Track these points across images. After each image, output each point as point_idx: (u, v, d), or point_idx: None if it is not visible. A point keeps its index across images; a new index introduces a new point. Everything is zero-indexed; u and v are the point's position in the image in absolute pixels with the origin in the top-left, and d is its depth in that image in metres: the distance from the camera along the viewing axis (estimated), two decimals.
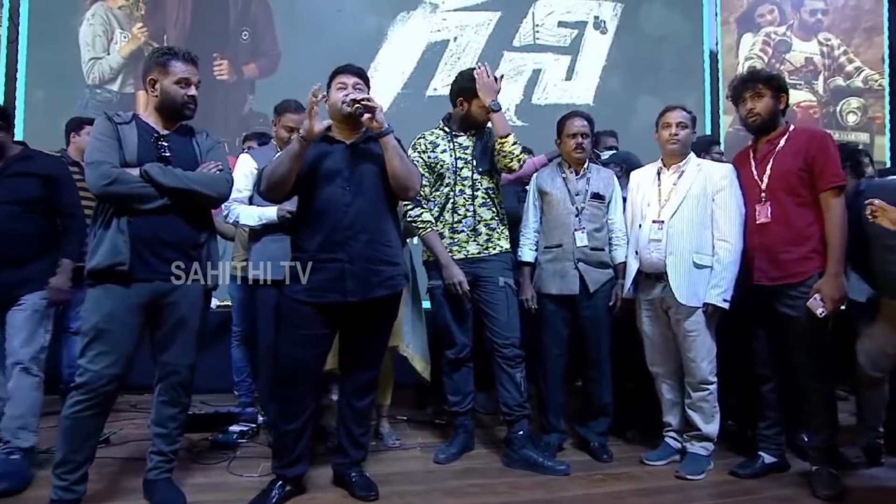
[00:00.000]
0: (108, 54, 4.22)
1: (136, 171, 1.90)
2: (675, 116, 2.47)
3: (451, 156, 2.51)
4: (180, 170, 1.96)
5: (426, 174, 2.51)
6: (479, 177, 2.51)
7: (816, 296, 2.14)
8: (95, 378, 1.86)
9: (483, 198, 2.52)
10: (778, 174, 2.27)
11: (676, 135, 2.45)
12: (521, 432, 2.46)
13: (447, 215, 2.52)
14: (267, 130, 3.47)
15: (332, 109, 2.09)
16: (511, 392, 2.47)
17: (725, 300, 2.33)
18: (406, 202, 2.46)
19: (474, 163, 2.51)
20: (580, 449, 2.67)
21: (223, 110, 4.34)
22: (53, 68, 4.12)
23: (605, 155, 3.13)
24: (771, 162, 2.29)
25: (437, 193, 2.53)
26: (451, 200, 2.51)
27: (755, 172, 2.33)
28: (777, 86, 2.31)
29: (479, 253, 2.51)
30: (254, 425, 2.85)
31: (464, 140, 2.54)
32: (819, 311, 2.13)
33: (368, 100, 2.01)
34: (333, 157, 2.07)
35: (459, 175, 2.50)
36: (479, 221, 2.51)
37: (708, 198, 2.39)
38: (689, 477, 2.35)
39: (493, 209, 2.54)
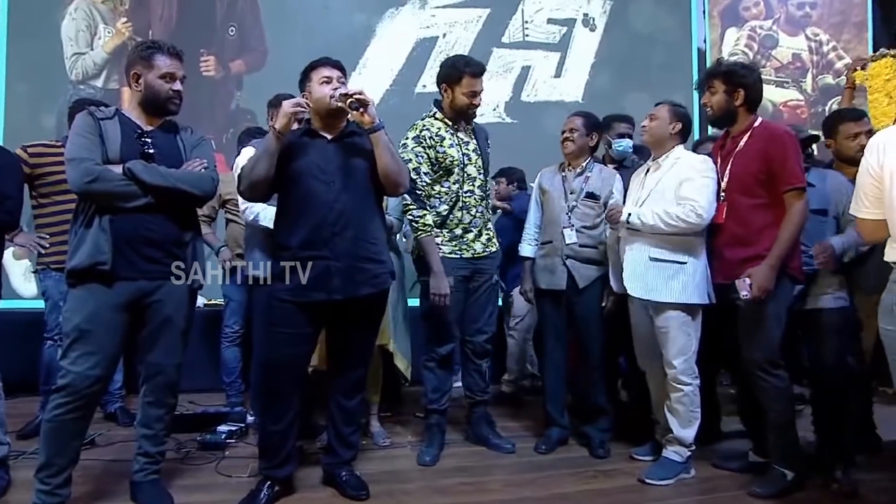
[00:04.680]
0: (92, 50, 4.16)
1: (118, 169, 1.85)
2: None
3: (458, 151, 2.50)
4: (164, 167, 1.92)
5: (429, 170, 2.47)
6: (484, 179, 2.59)
7: (746, 279, 2.09)
8: (79, 380, 1.82)
9: (487, 198, 2.63)
10: (735, 175, 2.22)
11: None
12: (478, 413, 2.71)
13: (459, 213, 2.51)
14: (253, 126, 3.43)
15: (318, 104, 2.04)
16: (476, 379, 2.67)
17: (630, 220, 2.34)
18: (408, 203, 2.45)
19: (480, 163, 2.55)
20: (583, 446, 2.67)
21: (210, 106, 4.30)
22: (35, 64, 4.05)
23: (619, 144, 2.90)
24: (731, 162, 2.24)
25: (445, 189, 2.50)
26: (463, 200, 2.51)
27: (719, 169, 2.30)
28: (733, 81, 2.23)
29: (483, 251, 2.58)
30: (242, 425, 2.82)
31: (463, 136, 2.55)
32: (743, 293, 2.09)
33: (361, 93, 1.97)
34: (315, 152, 2.03)
35: (466, 172, 2.50)
36: (485, 222, 2.62)
37: (680, 190, 2.33)
38: (648, 481, 2.28)
39: (490, 210, 2.69)
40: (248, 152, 2.63)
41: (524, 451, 2.63)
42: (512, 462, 2.53)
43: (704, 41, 5.05)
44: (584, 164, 2.67)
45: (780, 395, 2.18)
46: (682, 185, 2.32)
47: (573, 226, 2.60)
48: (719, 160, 2.32)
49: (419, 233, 2.45)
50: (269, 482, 2.07)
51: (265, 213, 2.52)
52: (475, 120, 2.62)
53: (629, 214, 2.36)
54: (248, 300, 3.07)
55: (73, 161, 1.83)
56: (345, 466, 2.20)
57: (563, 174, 2.69)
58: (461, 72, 2.43)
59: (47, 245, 2.67)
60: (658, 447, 2.50)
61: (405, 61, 4.56)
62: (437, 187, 2.50)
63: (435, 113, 2.53)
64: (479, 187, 2.54)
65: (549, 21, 4.82)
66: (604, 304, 2.61)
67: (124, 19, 4.21)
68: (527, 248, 2.74)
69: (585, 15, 4.87)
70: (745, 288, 2.10)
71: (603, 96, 4.71)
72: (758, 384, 2.19)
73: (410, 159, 2.43)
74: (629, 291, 2.37)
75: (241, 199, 2.57)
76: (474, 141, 2.56)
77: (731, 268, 2.20)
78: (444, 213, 2.50)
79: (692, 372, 2.33)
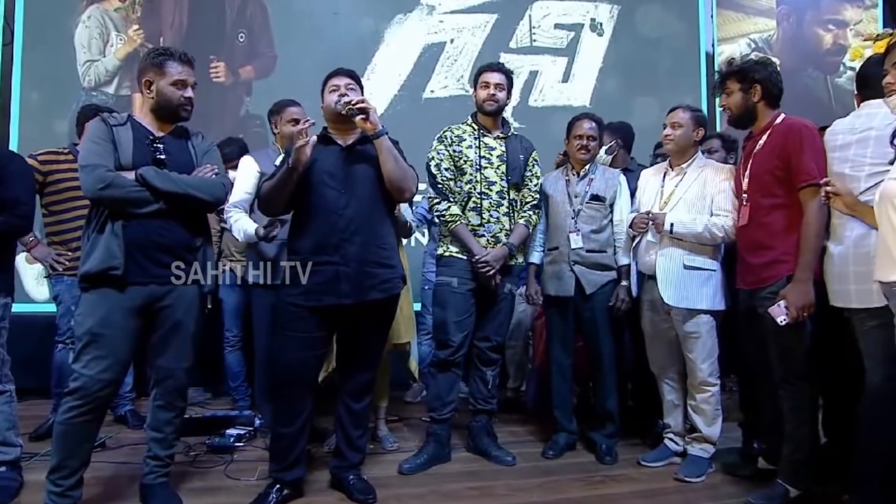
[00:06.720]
0: (104, 57, 4.20)
1: (131, 175, 1.88)
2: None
3: (475, 153, 2.52)
4: (176, 173, 1.95)
5: (450, 166, 2.52)
6: (507, 186, 2.54)
7: (781, 302, 1.99)
8: (90, 383, 1.84)
9: (508, 208, 2.55)
10: (754, 175, 2.17)
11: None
12: (479, 423, 2.65)
13: (469, 214, 2.52)
14: (262, 133, 3.46)
15: (327, 111, 2.11)
16: (479, 387, 2.64)
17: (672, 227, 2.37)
18: (433, 197, 2.51)
19: (503, 169, 2.53)
20: (590, 451, 2.67)
21: (220, 112, 4.32)
22: (49, 71, 4.09)
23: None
24: (751, 161, 2.19)
25: (458, 189, 2.53)
26: (474, 200, 2.51)
27: (741, 172, 2.26)
28: (747, 78, 2.17)
29: None
30: (251, 428, 2.83)
31: (490, 141, 2.56)
32: (780, 319, 1.97)
33: (362, 101, 2.01)
34: (329, 159, 2.06)
35: (483, 175, 2.51)
36: (501, 230, 2.54)
37: (706, 200, 2.39)
38: (687, 479, 2.35)
39: (513, 221, 2.57)
40: (248, 163, 2.66)
41: (531, 455, 2.63)
42: (519, 467, 2.53)
43: (712, 45, 5.03)
44: (587, 168, 2.67)
45: (802, 407, 2.09)
46: (717, 196, 2.37)
47: (579, 230, 2.60)
48: (742, 162, 2.28)
49: (449, 224, 2.49)
50: (277, 485, 2.08)
51: (237, 225, 2.55)
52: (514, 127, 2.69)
53: (672, 224, 2.36)
54: (243, 303, 3.07)
55: (87, 167, 1.86)
56: (352, 470, 2.21)
57: (567, 178, 2.69)
58: (479, 71, 2.59)
59: (66, 262, 2.71)
60: (666, 452, 2.52)
61: (413, 67, 4.56)
62: (455, 187, 2.53)
63: (468, 119, 2.61)
64: (497, 193, 2.52)
65: (557, 26, 4.82)
66: (611, 304, 2.59)
67: (136, 27, 4.25)
68: (533, 255, 2.73)
69: (593, 20, 4.86)
70: (781, 314, 1.97)
71: (610, 101, 4.69)
72: (782, 394, 2.13)
73: (433, 157, 2.54)
74: (665, 299, 2.38)
75: (226, 207, 2.59)
76: (502, 147, 2.56)
77: (753, 273, 2.17)
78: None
79: (717, 373, 2.41)
